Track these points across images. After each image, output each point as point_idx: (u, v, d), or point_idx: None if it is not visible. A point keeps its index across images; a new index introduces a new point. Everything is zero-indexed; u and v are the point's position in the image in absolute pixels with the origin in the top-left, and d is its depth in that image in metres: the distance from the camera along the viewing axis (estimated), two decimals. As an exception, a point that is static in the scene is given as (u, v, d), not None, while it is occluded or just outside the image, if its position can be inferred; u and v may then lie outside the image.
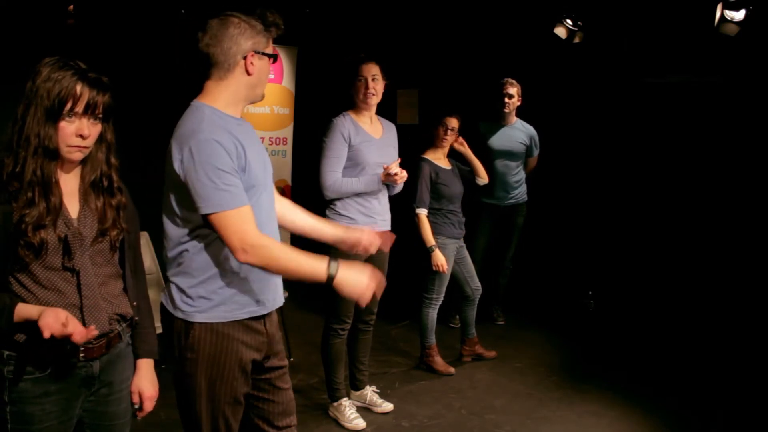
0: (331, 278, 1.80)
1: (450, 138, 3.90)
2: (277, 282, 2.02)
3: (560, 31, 5.08)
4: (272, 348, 2.04)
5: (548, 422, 3.42)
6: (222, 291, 1.88)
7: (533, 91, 4.96)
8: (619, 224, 5.47)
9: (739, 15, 4.06)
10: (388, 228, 3.37)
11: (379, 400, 3.55)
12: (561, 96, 5.67)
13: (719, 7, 4.11)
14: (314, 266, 1.81)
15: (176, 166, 1.81)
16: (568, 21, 5.04)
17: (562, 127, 5.67)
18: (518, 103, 4.66)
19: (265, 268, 1.83)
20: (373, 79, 3.19)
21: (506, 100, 4.60)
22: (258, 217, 1.86)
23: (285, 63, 5.90)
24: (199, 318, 1.88)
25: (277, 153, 5.85)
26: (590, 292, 5.29)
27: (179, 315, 1.91)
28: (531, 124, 4.82)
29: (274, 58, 1.95)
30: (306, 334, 4.60)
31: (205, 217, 1.79)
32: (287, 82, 5.95)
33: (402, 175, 3.20)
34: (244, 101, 1.96)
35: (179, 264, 1.91)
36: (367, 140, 3.23)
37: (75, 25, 4.93)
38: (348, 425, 3.34)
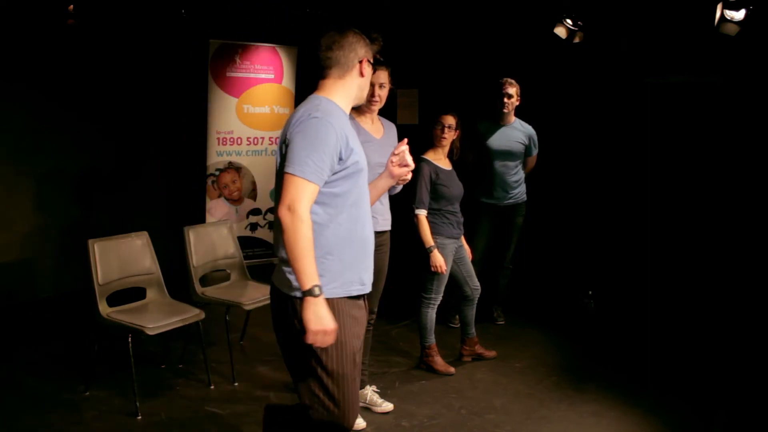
0: (308, 292, 1.95)
1: (448, 136, 3.90)
2: (372, 264, 2.24)
3: (560, 31, 5.08)
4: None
5: (548, 422, 3.41)
6: (334, 269, 2.07)
7: (533, 91, 4.96)
8: (619, 224, 5.48)
9: (739, 15, 4.06)
10: (389, 228, 3.37)
11: (379, 400, 3.55)
12: (561, 96, 5.68)
13: (719, 7, 4.11)
14: (308, 272, 1.95)
15: (287, 137, 2.07)
16: (568, 21, 5.04)
17: (562, 127, 5.67)
18: (517, 103, 4.66)
19: (284, 234, 1.98)
20: (380, 86, 3.22)
21: (505, 100, 4.60)
22: (354, 196, 2.12)
23: (285, 63, 5.90)
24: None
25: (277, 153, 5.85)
26: (590, 292, 5.29)
27: (297, 294, 2.03)
28: (531, 124, 4.81)
29: (375, 68, 2.32)
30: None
31: (283, 173, 2.02)
32: (287, 82, 5.96)
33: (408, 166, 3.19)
34: (354, 100, 2.27)
35: None
36: (369, 140, 3.23)
37: (75, 25, 4.93)
38: None
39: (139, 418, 3.32)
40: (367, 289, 2.22)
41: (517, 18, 5.52)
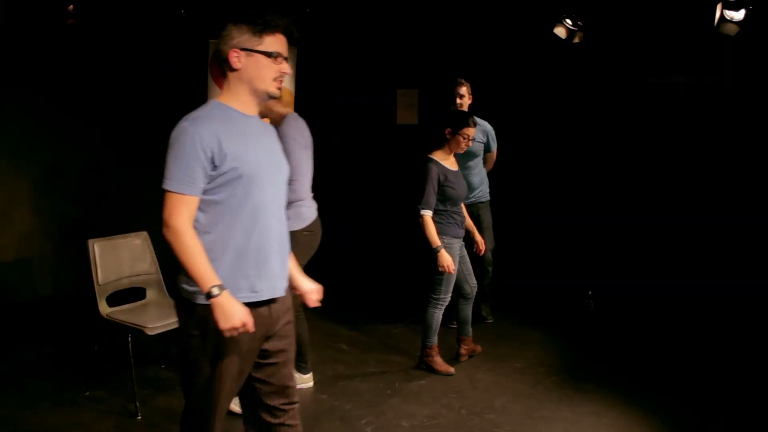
0: (209, 295, 1.92)
1: (467, 146, 3.94)
2: (277, 272, 2.10)
3: (560, 31, 5.08)
4: (275, 328, 2.13)
5: (548, 422, 3.42)
6: (219, 275, 1.96)
7: (533, 91, 4.96)
8: (619, 224, 5.47)
9: (739, 15, 4.06)
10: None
11: (305, 376, 3.76)
12: (561, 96, 5.67)
13: (719, 7, 4.11)
14: (205, 274, 1.93)
15: None
16: (568, 21, 5.04)
17: (562, 127, 5.67)
18: (470, 102, 4.63)
19: (173, 249, 1.96)
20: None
21: (458, 100, 4.58)
22: (241, 204, 1.99)
23: (285, 63, 5.90)
24: (201, 299, 1.97)
25: (277, 153, 5.84)
26: (590, 292, 5.29)
27: (185, 295, 2.03)
28: (531, 124, 4.80)
29: (268, 54, 2.01)
30: (306, 334, 4.61)
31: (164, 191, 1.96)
32: (287, 82, 5.95)
33: None
34: (249, 96, 2.06)
35: None
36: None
37: (75, 25, 4.93)
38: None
39: (139, 418, 3.33)
40: (261, 297, 2.05)
41: (516, 18, 5.52)
